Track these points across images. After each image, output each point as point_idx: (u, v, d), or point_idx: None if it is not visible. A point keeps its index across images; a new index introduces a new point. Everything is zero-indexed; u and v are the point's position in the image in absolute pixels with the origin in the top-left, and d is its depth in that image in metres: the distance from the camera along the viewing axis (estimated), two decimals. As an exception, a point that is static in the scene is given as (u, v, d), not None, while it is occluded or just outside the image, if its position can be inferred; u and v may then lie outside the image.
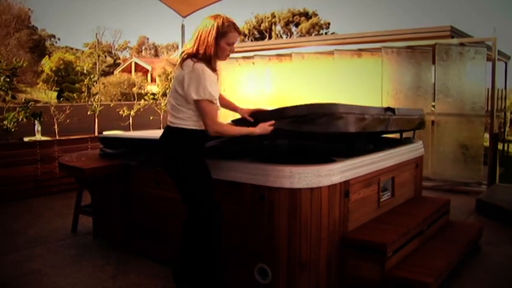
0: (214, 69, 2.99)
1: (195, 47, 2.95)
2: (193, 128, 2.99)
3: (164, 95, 9.98)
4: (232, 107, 3.46)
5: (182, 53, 3.07)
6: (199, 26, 3.00)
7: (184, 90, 2.91)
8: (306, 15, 37.95)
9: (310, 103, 3.20)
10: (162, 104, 9.55)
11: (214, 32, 2.92)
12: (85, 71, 9.68)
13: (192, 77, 2.88)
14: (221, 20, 2.95)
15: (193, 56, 2.94)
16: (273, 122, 3.12)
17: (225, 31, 2.95)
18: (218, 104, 3.04)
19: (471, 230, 4.34)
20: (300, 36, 35.06)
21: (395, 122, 3.85)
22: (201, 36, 2.94)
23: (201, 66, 2.89)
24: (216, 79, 3.00)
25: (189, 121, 2.98)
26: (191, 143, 3.02)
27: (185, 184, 3.05)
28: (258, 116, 3.27)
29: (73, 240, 4.69)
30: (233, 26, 2.99)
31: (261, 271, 3.18)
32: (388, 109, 3.79)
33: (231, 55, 3.24)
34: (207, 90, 2.88)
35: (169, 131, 3.05)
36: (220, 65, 6.25)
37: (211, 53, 2.93)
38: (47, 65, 24.79)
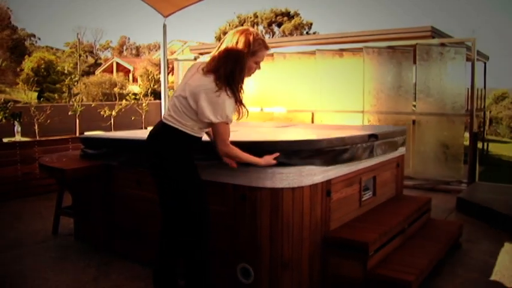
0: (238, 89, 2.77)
1: (220, 63, 2.72)
2: (192, 134, 2.84)
3: (146, 95, 9.90)
4: None
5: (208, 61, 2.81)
6: (227, 40, 2.76)
7: (198, 108, 2.73)
8: (288, 15, 37.96)
9: (298, 139, 3.31)
10: (144, 104, 9.47)
11: (244, 51, 2.71)
12: (66, 71, 9.58)
13: (212, 102, 2.69)
14: (252, 37, 2.72)
15: (216, 71, 2.72)
16: (277, 154, 3.01)
17: (255, 50, 2.75)
18: None
19: (452, 228, 4.39)
20: (282, 36, 35.07)
21: (379, 147, 3.94)
22: (227, 53, 2.72)
23: (224, 94, 2.68)
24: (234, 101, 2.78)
25: (189, 128, 2.82)
26: (186, 144, 2.87)
27: (175, 184, 2.89)
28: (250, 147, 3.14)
29: (54, 242, 4.64)
30: (263, 44, 2.78)
31: (244, 271, 3.18)
32: (371, 136, 3.81)
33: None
34: (224, 114, 2.71)
35: (163, 127, 2.86)
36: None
37: (236, 72, 2.72)
38: (27, 64, 24.44)
